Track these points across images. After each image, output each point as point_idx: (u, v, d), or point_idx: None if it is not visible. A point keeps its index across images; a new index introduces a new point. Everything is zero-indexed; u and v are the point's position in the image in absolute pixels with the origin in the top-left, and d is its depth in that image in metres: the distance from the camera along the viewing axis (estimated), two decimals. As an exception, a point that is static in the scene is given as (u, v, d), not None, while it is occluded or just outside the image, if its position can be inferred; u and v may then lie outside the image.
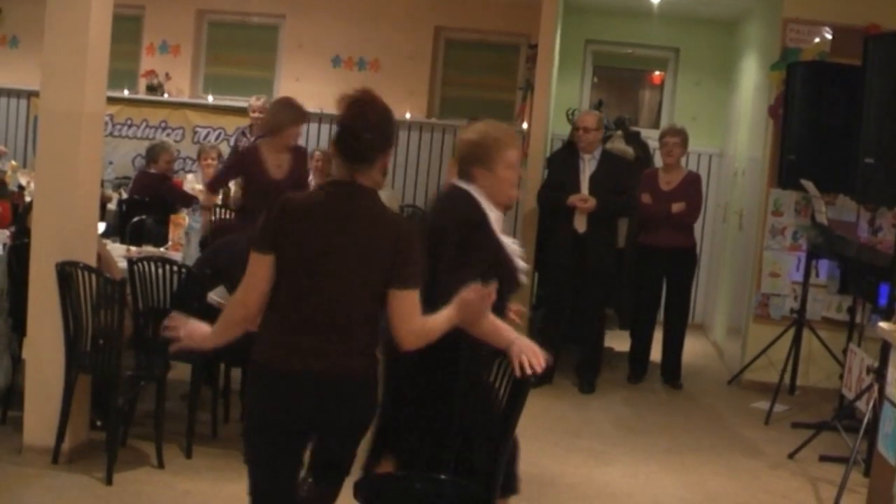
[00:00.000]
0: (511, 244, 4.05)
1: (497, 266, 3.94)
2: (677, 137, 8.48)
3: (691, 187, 8.41)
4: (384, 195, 9.38)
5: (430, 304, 3.58)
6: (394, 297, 3.48)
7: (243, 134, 10.07)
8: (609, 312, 8.82)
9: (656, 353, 8.71)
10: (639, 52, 12.37)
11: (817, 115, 7.59)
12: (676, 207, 8.28)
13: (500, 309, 3.91)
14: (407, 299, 3.49)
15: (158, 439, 5.63)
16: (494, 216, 4.02)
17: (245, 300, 3.58)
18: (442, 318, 3.56)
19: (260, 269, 3.51)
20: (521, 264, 4.03)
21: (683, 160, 8.67)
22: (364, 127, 3.51)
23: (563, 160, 8.23)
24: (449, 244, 3.87)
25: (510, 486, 4.17)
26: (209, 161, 9.71)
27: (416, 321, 3.51)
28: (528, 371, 3.68)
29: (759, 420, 7.60)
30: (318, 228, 3.47)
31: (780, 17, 8.41)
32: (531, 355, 3.71)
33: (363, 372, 3.54)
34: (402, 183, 10.94)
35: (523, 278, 4.04)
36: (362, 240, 3.47)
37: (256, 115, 9.54)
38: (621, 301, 8.84)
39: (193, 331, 3.68)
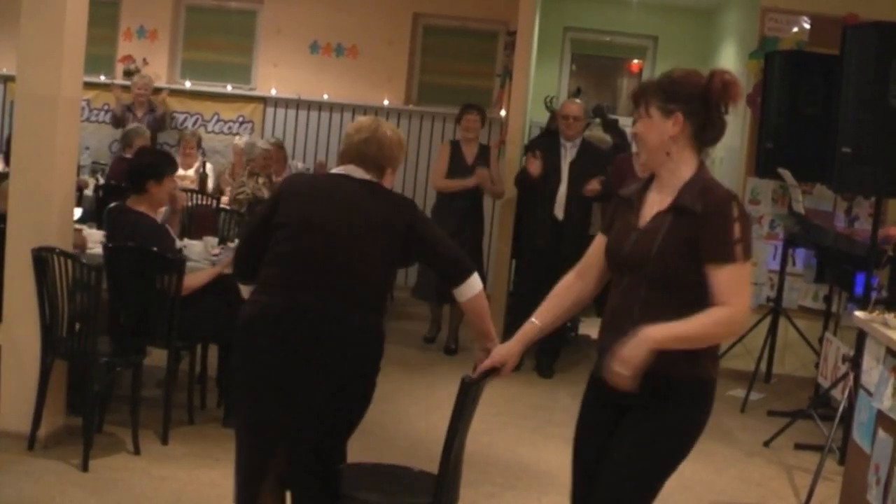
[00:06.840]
0: None
1: None
2: None
3: None
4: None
5: None
6: None
7: (128, 109, 10.19)
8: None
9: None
10: (617, 39, 12.39)
11: (795, 104, 7.62)
12: None
13: None
14: None
15: (135, 425, 5.60)
16: None
17: None
18: None
19: None
20: None
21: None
22: None
23: (544, 146, 8.23)
24: None
25: None
26: (189, 150, 9.63)
27: None
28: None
29: (734, 408, 7.63)
30: None
31: (759, 6, 8.42)
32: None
33: None
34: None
35: None
36: None
37: (140, 92, 10.27)
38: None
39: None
